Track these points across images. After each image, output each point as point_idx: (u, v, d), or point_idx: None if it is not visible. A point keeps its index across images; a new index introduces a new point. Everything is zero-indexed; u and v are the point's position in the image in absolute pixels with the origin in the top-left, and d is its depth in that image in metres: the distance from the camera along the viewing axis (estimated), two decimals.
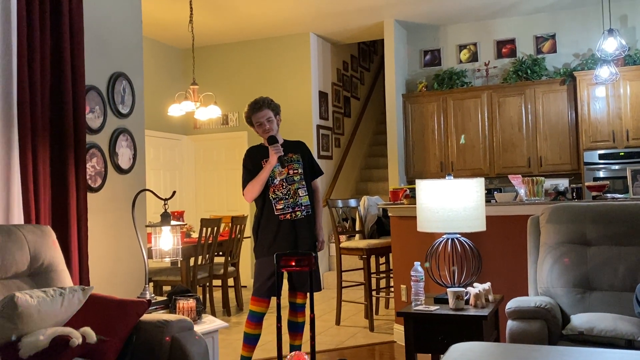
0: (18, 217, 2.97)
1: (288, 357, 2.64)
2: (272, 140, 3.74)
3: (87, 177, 3.54)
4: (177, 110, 6.19)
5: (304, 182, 3.81)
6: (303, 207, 3.76)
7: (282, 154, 3.71)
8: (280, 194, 3.73)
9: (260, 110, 3.76)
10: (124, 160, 3.89)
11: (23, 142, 3.00)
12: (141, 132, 4.10)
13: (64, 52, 3.27)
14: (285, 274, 3.72)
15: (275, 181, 3.74)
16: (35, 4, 3.09)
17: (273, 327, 4.81)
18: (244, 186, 3.78)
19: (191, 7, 6.25)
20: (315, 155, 7.85)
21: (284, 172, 3.76)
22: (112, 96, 3.80)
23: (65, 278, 2.78)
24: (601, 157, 6.73)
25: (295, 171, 3.79)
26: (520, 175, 4.29)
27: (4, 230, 2.60)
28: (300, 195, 3.77)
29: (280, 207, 3.72)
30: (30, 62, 3.06)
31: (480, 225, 3.18)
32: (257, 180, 3.71)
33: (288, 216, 3.72)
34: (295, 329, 3.85)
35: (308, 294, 3.45)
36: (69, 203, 3.25)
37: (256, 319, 3.72)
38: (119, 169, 3.85)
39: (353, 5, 6.94)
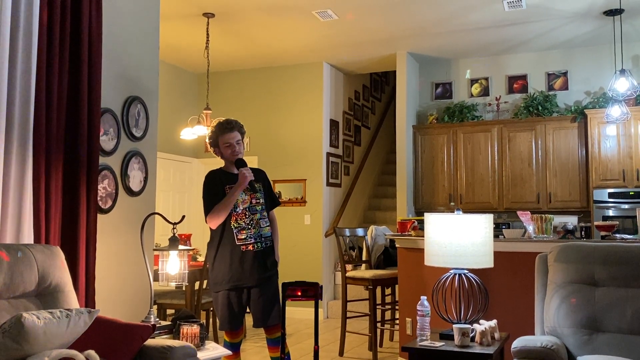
0: (28, 236, 2.99)
1: None
2: (242, 163, 3.59)
3: (98, 198, 3.56)
4: (189, 133, 6.24)
5: (265, 213, 3.67)
6: (263, 239, 3.63)
7: (253, 177, 3.57)
8: (243, 224, 3.58)
9: (232, 131, 3.64)
10: (135, 183, 3.92)
11: (37, 162, 3.03)
12: (153, 155, 4.13)
13: (82, 75, 3.32)
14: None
15: (238, 209, 3.58)
16: (56, 27, 3.16)
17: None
18: (208, 210, 3.55)
19: (208, 34, 6.36)
20: (324, 182, 7.87)
21: (247, 201, 3.62)
22: (126, 119, 3.85)
23: (72, 299, 2.79)
24: (611, 195, 6.70)
25: (258, 201, 3.65)
26: (529, 212, 4.28)
27: (13, 249, 2.62)
28: (262, 226, 3.63)
29: (243, 237, 3.57)
30: (48, 83, 3.11)
31: (487, 262, 3.17)
32: (226, 204, 3.52)
33: (251, 247, 3.57)
34: None
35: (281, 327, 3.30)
36: (79, 224, 3.27)
37: (233, 349, 3.62)
38: (130, 191, 3.88)
39: (367, 37, 7.02)
